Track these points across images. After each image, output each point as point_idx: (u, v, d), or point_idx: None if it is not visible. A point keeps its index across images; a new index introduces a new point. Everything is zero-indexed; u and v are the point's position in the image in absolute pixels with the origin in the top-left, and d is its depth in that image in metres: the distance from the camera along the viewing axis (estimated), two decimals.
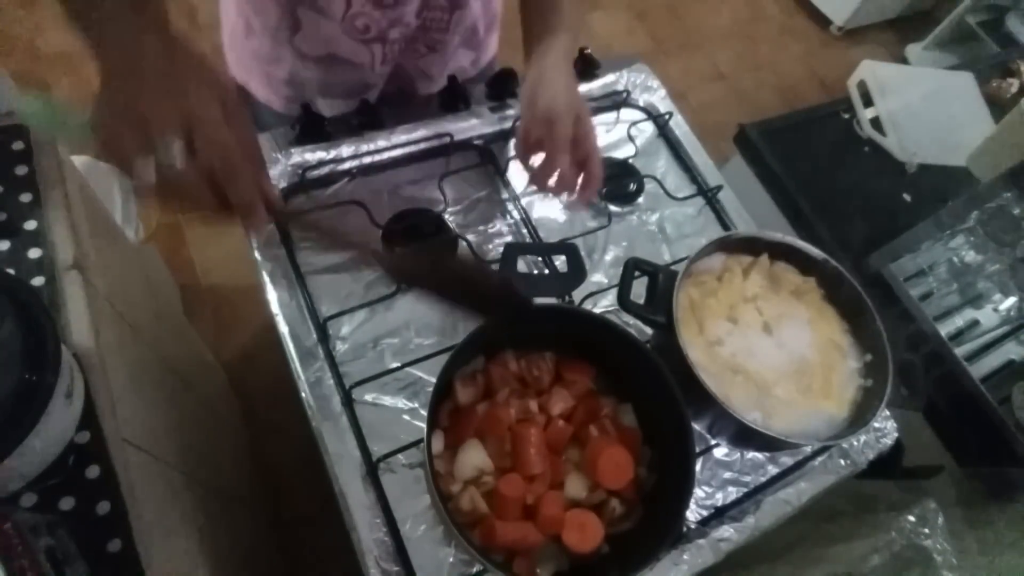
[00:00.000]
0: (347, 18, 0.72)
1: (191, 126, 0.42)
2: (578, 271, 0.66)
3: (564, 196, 0.67)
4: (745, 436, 0.66)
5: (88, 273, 0.63)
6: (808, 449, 0.74)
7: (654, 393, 0.62)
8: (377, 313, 0.71)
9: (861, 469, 0.74)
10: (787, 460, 0.74)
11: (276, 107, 0.85)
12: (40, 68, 1.76)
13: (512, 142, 0.86)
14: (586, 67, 0.93)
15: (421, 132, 0.81)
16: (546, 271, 0.75)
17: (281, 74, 0.81)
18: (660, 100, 0.96)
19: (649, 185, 0.88)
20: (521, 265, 0.74)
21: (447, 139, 0.82)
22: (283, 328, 0.67)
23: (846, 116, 1.34)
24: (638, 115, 0.95)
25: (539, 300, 0.66)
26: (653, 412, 0.65)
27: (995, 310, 1.09)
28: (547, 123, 0.62)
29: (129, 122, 0.41)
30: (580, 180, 0.65)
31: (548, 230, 0.81)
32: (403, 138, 0.80)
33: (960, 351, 1.02)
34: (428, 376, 0.68)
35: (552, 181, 0.64)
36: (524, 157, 0.66)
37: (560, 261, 0.74)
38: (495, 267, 0.76)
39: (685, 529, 0.65)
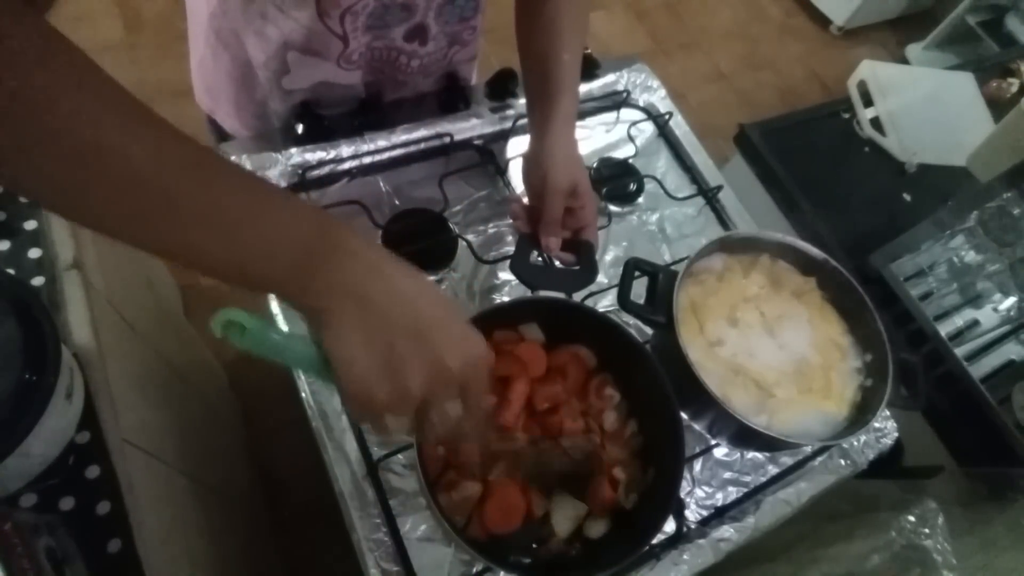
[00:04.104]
0: (344, 55, 0.71)
1: (438, 397, 0.39)
2: (591, 268, 0.67)
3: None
4: (745, 436, 0.66)
5: (88, 273, 0.63)
6: (808, 449, 0.74)
7: (650, 393, 0.63)
8: None
9: (861, 469, 0.74)
10: (787, 460, 0.74)
11: (241, 137, 0.83)
12: None
13: (512, 140, 0.86)
14: (586, 67, 0.93)
15: (421, 132, 0.81)
16: (558, 265, 0.75)
17: (252, 107, 0.79)
18: (660, 100, 0.96)
19: (649, 185, 0.88)
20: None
21: (447, 139, 0.82)
22: (283, 328, 0.67)
23: (846, 116, 1.34)
24: (638, 115, 0.95)
25: (544, 293, 0.67)
26: (649, 413, 0.65)
27: (995, 310, 1.09)
28: (541, 199, 0.63)
29: (384, 384, 0.37)
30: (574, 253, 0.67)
31: None
32: (403, 138, 0.80)
33: (960, 351, 1.02)
34: None
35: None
36: (521, 224, 0.68)
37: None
38: (499, 263, 0.77)
39: (685, 529, 0.65)
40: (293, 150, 0.76)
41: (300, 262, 0.36)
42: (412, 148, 0.81)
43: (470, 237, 0.77)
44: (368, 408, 0.38)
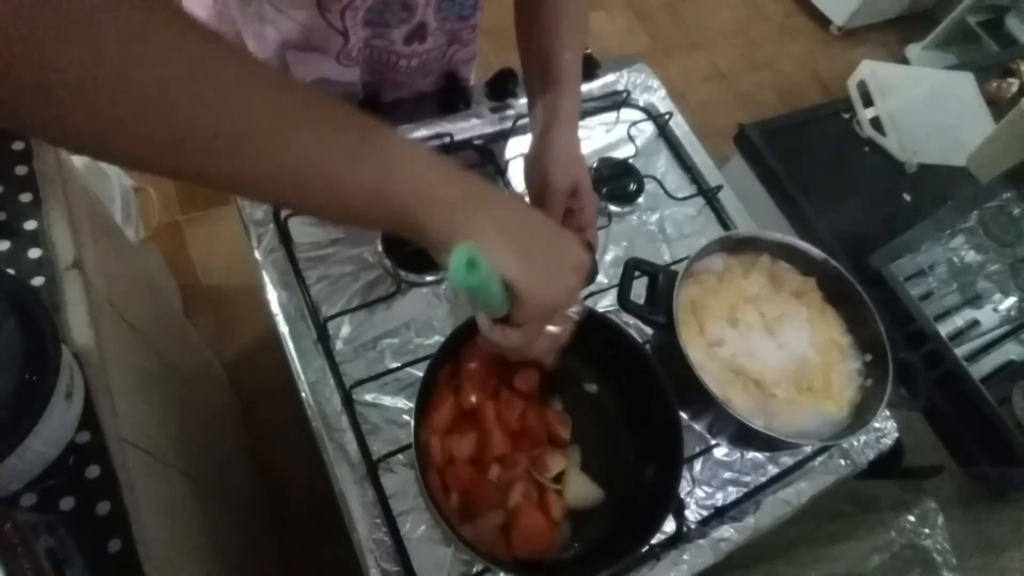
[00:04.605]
0: (344, 51, 0.71)
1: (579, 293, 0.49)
2: (591, 269, 0.66)
3: None
4: (745, 436, 0.67)
5: (88, 273, 0.62)
6: (808, 449, 0.74)
7: (650, 393, 0.63)
8: (377, 313, 0.71)
9: (861, 469, 0.74)
10: (787, 460, 0.74)
11: None
12: None
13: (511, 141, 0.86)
14: (586, 67, 0.93)
15: (421, 132, 0.81)
16: None
17: None
18: (660, 100, 0.96)
19: (649, 185, 0.88)
20: None
21: (447, 139, 0.82)
22: (283, 328, 0.67)
23: (846, 116, 1.34)
24: (638, 115, 0.95)
25: None
26: (649, 413, 0.65)
27: (995, 310, 1.09)
28: (541, 199, 0.63)
29: (557, 285, 0.46)
30: None
31: None
32: None
33: (960, 351, 1.02)
34: None
35: None
36: None
37: None
38: None
39: (685, 529, 0.65)
40: None
41: (453, 205, 0.42)
42: None
43: None
44: (545, 306, 0.45)
